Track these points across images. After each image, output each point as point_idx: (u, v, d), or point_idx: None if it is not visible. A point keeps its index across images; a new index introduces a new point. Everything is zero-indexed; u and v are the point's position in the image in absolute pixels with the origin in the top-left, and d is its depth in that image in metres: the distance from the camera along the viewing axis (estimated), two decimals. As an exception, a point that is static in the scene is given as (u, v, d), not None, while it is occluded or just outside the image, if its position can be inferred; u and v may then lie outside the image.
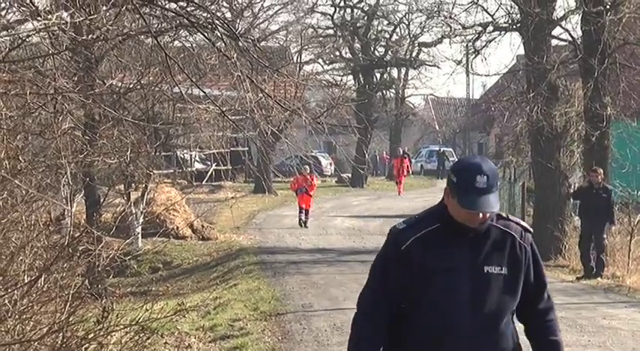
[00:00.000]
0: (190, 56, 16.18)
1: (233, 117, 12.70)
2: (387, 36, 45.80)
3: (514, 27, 22.22)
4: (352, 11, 44.82)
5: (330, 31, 44.29)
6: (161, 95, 17.79)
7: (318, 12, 43.15)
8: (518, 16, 21.88)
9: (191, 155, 36.98)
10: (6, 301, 6.65)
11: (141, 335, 7.48)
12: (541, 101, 20.74)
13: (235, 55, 8.79)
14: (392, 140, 52.18)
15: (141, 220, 21.83)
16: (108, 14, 8.72)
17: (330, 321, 12.62)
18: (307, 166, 28.79)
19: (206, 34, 8.97)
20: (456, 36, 23.84)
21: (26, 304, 6.88)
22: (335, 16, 44.17)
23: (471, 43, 23.42)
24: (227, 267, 20.16)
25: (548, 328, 4.30)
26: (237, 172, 42.20)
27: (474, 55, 23.73)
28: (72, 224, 8.76)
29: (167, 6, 8.69)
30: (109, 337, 7.21)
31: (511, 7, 22.28)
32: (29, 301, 6.92)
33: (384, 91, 48.16)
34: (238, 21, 23.46)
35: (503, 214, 4.24)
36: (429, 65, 45.71)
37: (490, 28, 22.66)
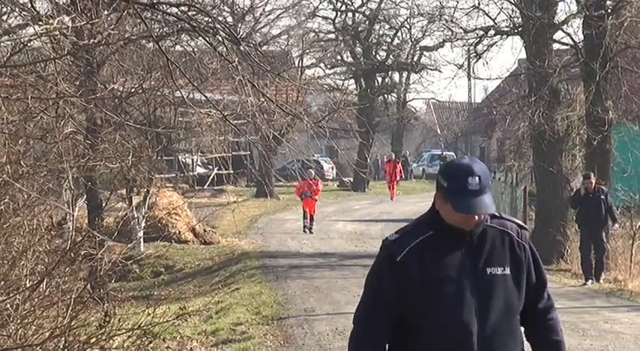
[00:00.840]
0: (192, 60, 16.21)
1: (235, 121, 12.69)
2: (389, 40, 45.80)
3: (515, 31, 22.22)
4: (354, 15, 44.81)
5: (332, 36, 44.28)
6: (163, 99, 17.80)
7: (319, 16, 43.16)
8: (520, 20, 21.88)
9: (193, 159, 36.95)
10: (8, 306, 6.65)
11: (143, 339, 7.48)
12: (543, 105, 20.74)
13: (237, 59, 8.79)
14: (393, 144, 52.16)
15: (143, 225, 21.83)
16: (109, 19, 8.74)
17: (332, 325, 12.61)
18: (312, 171, 28.23)
19: (208, 39, 8.98)
20: (457, 40, 23.83)
21: (28, 308, 6.88)
22: (336, 21, 44.17)
23: (472, 47, 23.41)
24: (229, 271, 20.15)
25: (550, 327, 4.17)
26: (239, 176, 42.18)
27: (475, 59, 23.73)
28: (74, 229, 8.78)
29: (168, 10, 8.69)
30: (111, 341, 7.21)
31: (512, 11, 22.28)
32: (31, 306, 6.92)
33: (386, 95, 48.15)
34: (240, 25, 23.51)
35: (497, 213, 4.06)
36: (431, 69, 45.73)
37: (492, 32, 22.65)
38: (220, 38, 8.51)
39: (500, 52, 33.87)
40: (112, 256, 8.95)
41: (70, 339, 6.89)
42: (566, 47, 22.86)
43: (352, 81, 45.39)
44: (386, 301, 3.99)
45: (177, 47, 16.49)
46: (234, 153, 38.12)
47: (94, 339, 7.03)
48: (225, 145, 29.95)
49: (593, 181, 17.56)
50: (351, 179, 44.15)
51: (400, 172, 42.46)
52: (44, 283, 6.93)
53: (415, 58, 45.79)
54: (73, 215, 9.59)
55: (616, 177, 22.00)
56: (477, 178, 3.87)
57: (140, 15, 8.15)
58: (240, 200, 32.91)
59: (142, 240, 21.68)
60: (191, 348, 11.58)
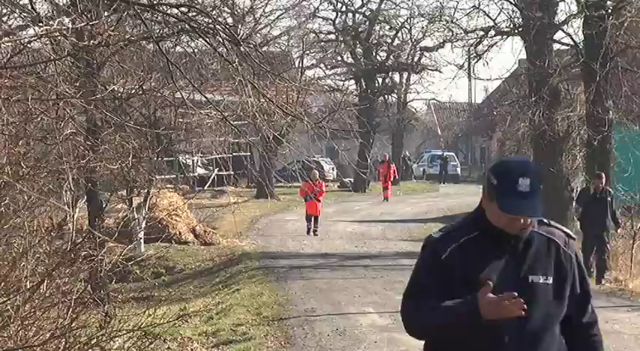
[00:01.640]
0: (192, 61, 16.22)
1: (235, 122, 12.70)
2: (389, 41, 45.79)
3: (516, 31, 22.24)
4: (354, 16, 44.82)
5: (332, 36, 44.29)
6: (163, 101, 17.79)
7: (319, 17, 43.16)
8: (520, 20, 21.91)
9: (193, 160, 36.96)
10: (8, 307, 6.65)
11: (144, 340, 7.48)
12: (543, 105, 20.76)
13: (237, 60, 8.80)
14: (394, 145, 52.18)
15: (143, 226, 21.82)
16: (109, 20, 8.75)
17: (333, 326, 12.60)
18: (316, 172, 27.80)
19: (208, 40, 8.98)
20: (457, 40, 23.88)
21: (28, 309, 6.88)
22: (337, 21, 44.19)
23: (472, 48, 23.45)
24: (229, 272, 20.14)
25: (593, 343, 4.11)
26: (240, 177, 42.19)
27: (475, 60, 23.80)
28: (74, 230, 8.77)
29: (169, 11, 8.70)
30: (111, 342, 7.22)
31: (513, 11, 22.33)
32: (31, 307, 6.92)
33: (386, 96, 48.15)
34: (240, 26, 23.50)
35: (545, 220, 3.98)
36: (431, 70, 45.75)
37: (492, 32, 22.68)
38: (220, 39, 8.52)
39: (501, 52, 33.98)
40: (112, 257, 8.96)
41: (70, 340, 6.89)
42: (566, 47, 22.90)
43: (352, 82, 45.42)
44: (434, 296, 3.86)
45: (178, 48, 16.48)
46: (234, 154, 38.14)
47: (94, 340, 7.03)
48: (226, 146, 30.01)
49: (603, 182, 17.59)
50: (352, 180, 44.17)
51: (394, 172, 42.45)
52: (45, 284, 6.93)
53: (415, 59, 45.81)
54: (74, 216, 9.58)
55: (616, 177, 22.01)
56: (528, 179, 3.78)
57: (140, 16, 8.16)
58: (241, 201, 32.89)
59: (142, 241, 21.67)
60: (192, 349, 11.58)
